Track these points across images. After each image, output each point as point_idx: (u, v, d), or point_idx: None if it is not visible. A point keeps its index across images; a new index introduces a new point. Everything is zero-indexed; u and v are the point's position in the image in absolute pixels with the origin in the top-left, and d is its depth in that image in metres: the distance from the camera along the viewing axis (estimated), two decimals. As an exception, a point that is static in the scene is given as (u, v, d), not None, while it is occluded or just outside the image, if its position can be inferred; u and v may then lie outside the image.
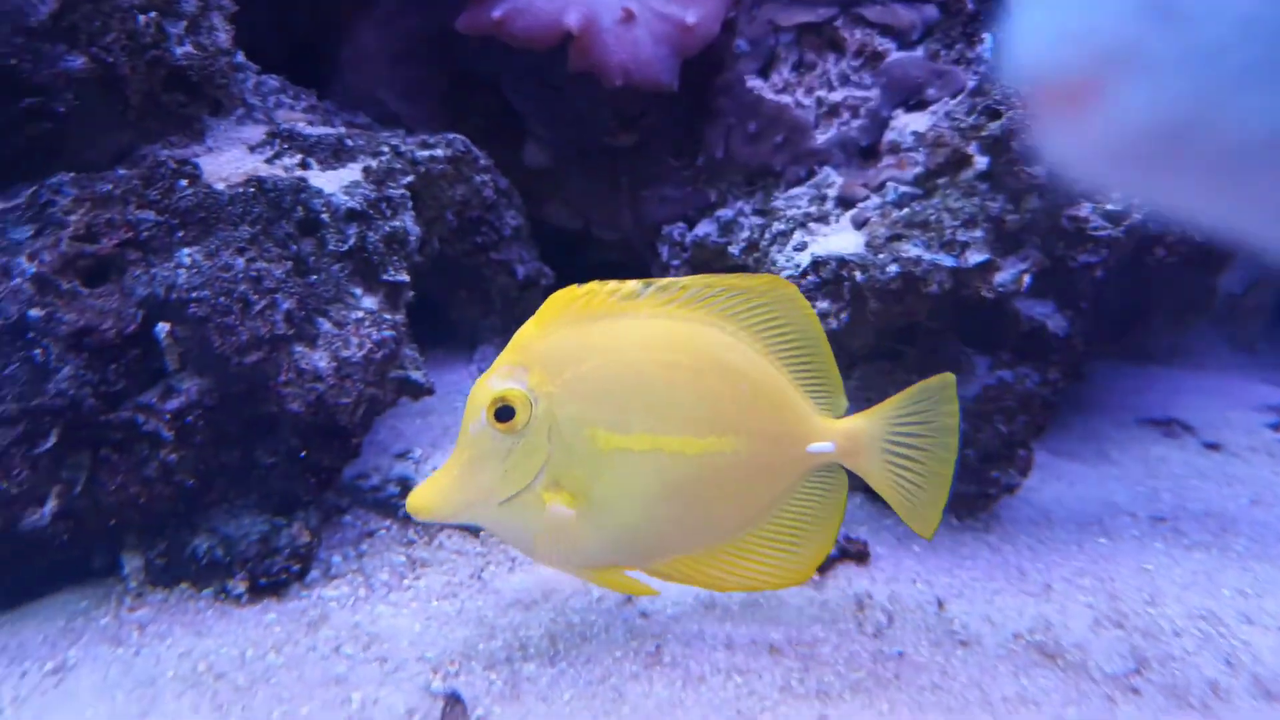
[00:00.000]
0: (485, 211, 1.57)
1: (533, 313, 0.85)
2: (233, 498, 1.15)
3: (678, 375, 0.82)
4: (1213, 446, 1.90)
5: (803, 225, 1.42)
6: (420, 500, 0.83)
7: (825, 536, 0.91)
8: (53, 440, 1.01)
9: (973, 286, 1.17)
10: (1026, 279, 1.16)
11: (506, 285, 1.76)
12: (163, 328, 1.05)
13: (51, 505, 1.01)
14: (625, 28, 1.66)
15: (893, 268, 1.20)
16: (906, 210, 1.32)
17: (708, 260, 1.71)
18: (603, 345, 0.81)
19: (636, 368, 0.81)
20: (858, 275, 1.24)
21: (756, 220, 1.57)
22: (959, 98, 1.47)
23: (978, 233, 1.16)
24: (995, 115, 1.20)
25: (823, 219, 1.43)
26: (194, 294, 1.06)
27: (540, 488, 0.82)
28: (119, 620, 1.04)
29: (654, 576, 0.91)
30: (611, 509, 0.83)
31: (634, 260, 1.93)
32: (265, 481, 1.15)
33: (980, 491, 1.38)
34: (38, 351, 1.01)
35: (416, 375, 1.24)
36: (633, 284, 0.83)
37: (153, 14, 1.34)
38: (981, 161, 1.27)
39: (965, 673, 0.99)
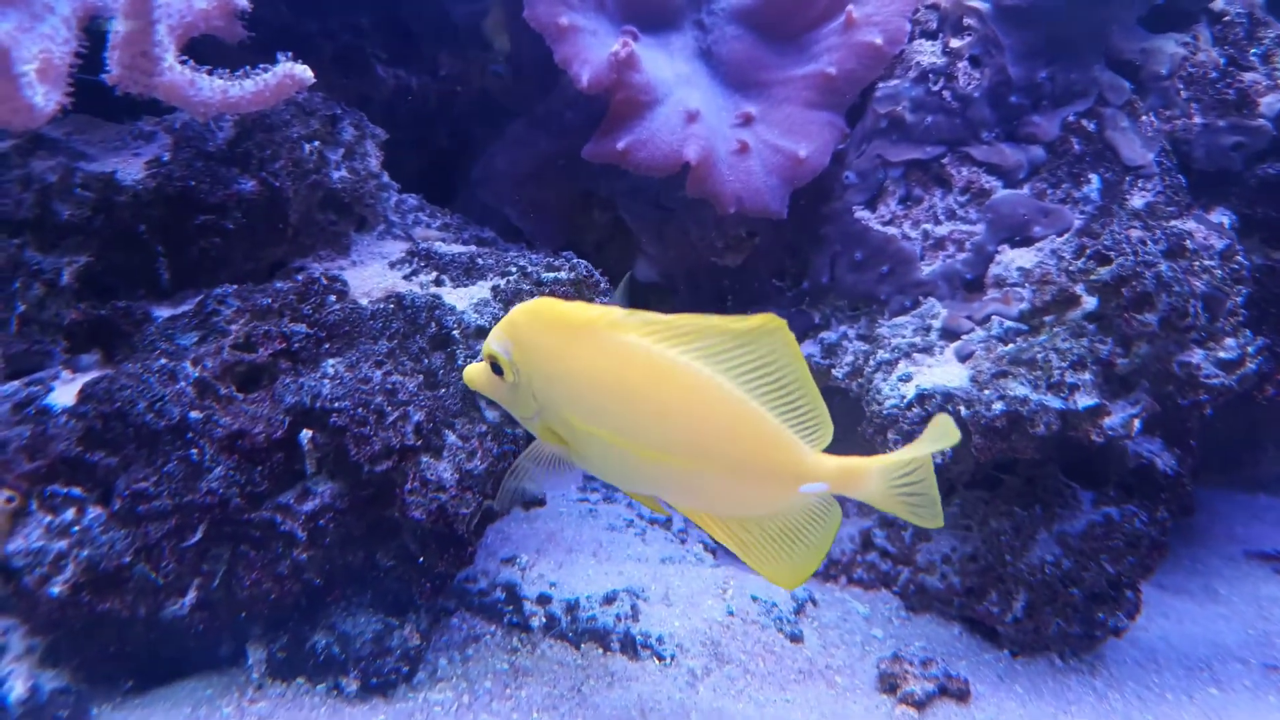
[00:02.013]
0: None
1: None
2: (351, 595, 1.22)
3: (644, 404, 0.85)
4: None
5: (907, 355, 1.45)
6: (470, 375, 0.95)
7: (813, 556, 0.90)
8: (199, 535, 1.09)
9: (1081, 429, 1.17)
10: (1137, 424, 1.16)
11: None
12: (306, 435, 1.14)
13: (191, 596, 1.09)
14: (740, 158, 1.74)
15: (998, 405, 1.21)
16: (1012, 346, 1.34)
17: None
18: (574, 354, 0.86)
19: (605, 385, 0.86)
20: (963, 410, 1.26)
21: (861, 346, 1.61)
22: (1065, 236, 1.50)
23: (1086, 375, 1.17)
24: (1105, 260, 1.22)
25: (927, 350, 1.46)
26: (336, 404, 1.15)
27: (539, 424, 0.92)
28: (240, 711, 1.10)
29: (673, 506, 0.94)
30: (598, 468, 0.92)
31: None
32: (382, 582, 1.22)
33: (1086, 633, 1.35)
34: (194, 451, 1.11)
35: (531, 486, 1.30)
36: (617, 310, 0.86)
37: (316, 143, 1.48)
38: (1090, 301, 1.28)
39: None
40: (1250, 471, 2.11)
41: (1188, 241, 1.21)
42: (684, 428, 0.86)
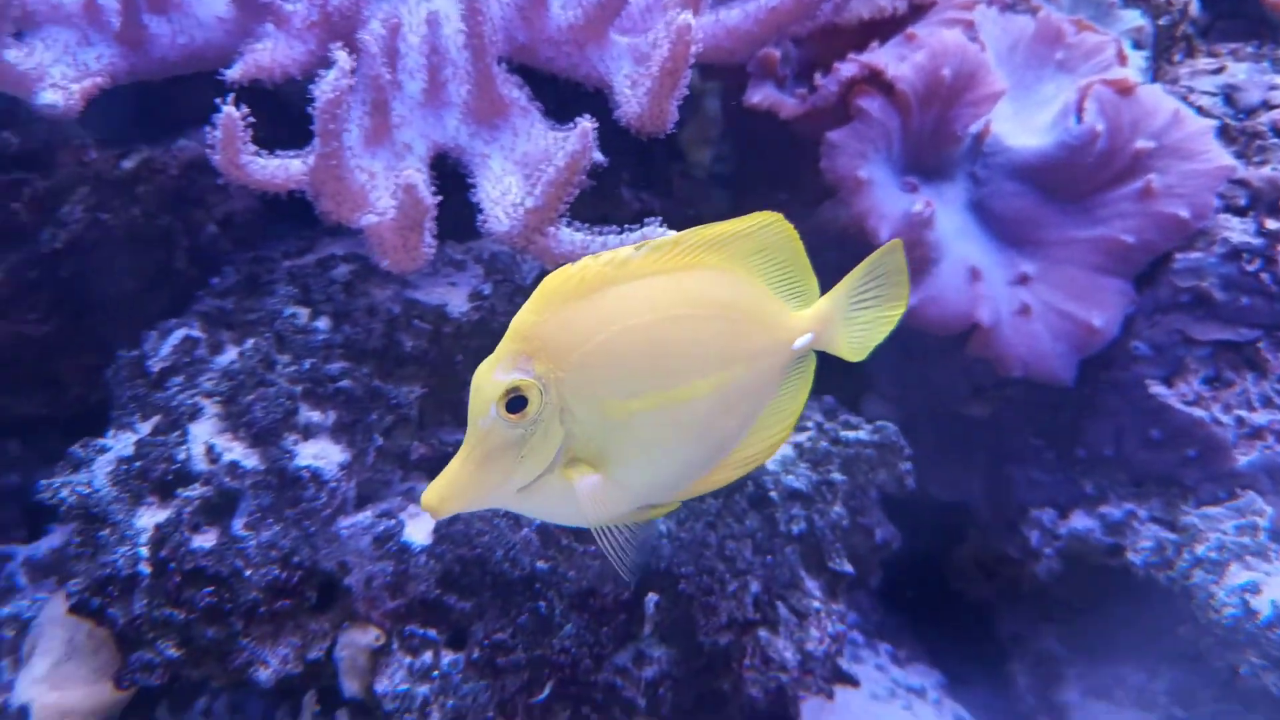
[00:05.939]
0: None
1: None
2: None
3: (680, 326, 0.82)
4: None
5: (1238, 558, 1.36)
6: (435, 497, 0.77)
7: (797, 403, 0.92)
8: (548, 692, 1.07)
9: None
10: None
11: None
12: (652, 599, 1.11)
13: (538, 757, 1.06)
14: (1023, 320, 1.69)
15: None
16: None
17: (1085, 556, 1.66)
18: (605, 317, 0.80)
19: (642, 330, 0.81)
20: (1338, 638, 1.16)
21: (1163, 533, 1.52)
22: None
23: None
24: None
25: (1260, 554, 1.36)
26: (682, 569, 1.12)
27: (560, 468, 0.80)
28: None
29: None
30: (632, 465, 0.83)
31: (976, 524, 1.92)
32: (701, 757, 1.17)
33: None
34: (543, 604, 1.10)
35: (849, 667, 1.24)
36: (625, 250, 0.82)
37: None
38: None
39: None
40: None
41: None
42: (719, 333, 0.85)
